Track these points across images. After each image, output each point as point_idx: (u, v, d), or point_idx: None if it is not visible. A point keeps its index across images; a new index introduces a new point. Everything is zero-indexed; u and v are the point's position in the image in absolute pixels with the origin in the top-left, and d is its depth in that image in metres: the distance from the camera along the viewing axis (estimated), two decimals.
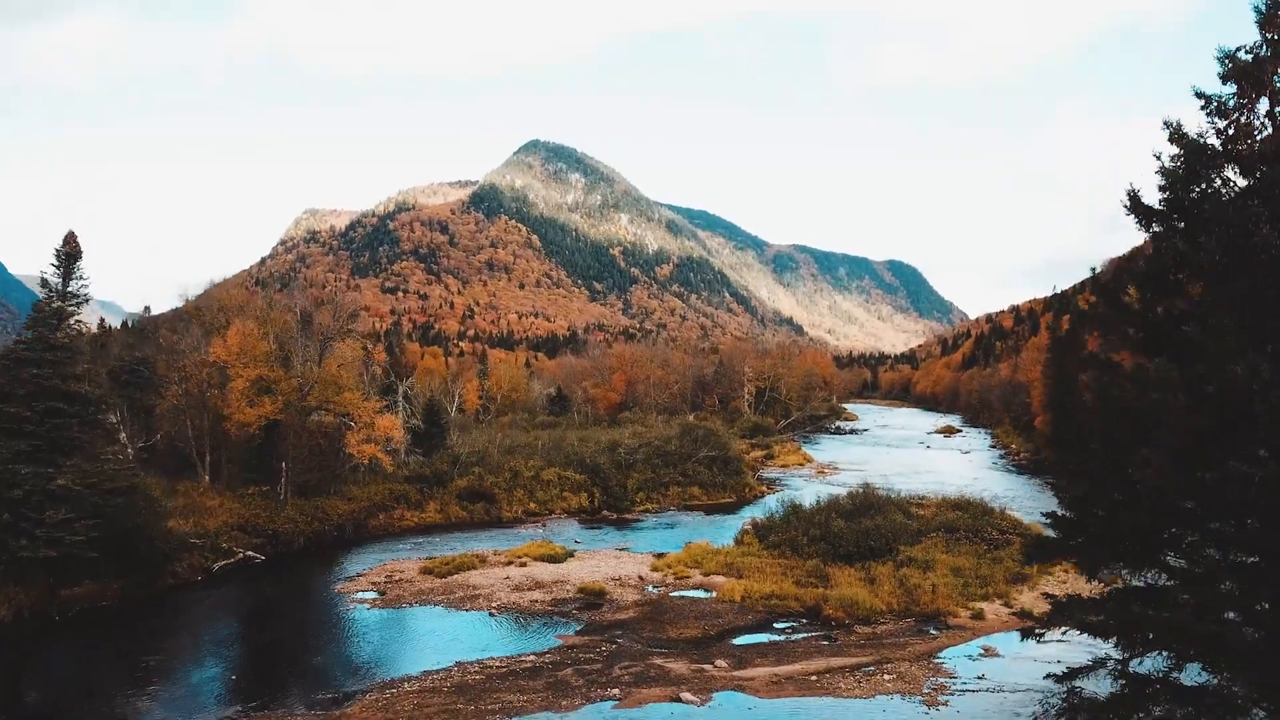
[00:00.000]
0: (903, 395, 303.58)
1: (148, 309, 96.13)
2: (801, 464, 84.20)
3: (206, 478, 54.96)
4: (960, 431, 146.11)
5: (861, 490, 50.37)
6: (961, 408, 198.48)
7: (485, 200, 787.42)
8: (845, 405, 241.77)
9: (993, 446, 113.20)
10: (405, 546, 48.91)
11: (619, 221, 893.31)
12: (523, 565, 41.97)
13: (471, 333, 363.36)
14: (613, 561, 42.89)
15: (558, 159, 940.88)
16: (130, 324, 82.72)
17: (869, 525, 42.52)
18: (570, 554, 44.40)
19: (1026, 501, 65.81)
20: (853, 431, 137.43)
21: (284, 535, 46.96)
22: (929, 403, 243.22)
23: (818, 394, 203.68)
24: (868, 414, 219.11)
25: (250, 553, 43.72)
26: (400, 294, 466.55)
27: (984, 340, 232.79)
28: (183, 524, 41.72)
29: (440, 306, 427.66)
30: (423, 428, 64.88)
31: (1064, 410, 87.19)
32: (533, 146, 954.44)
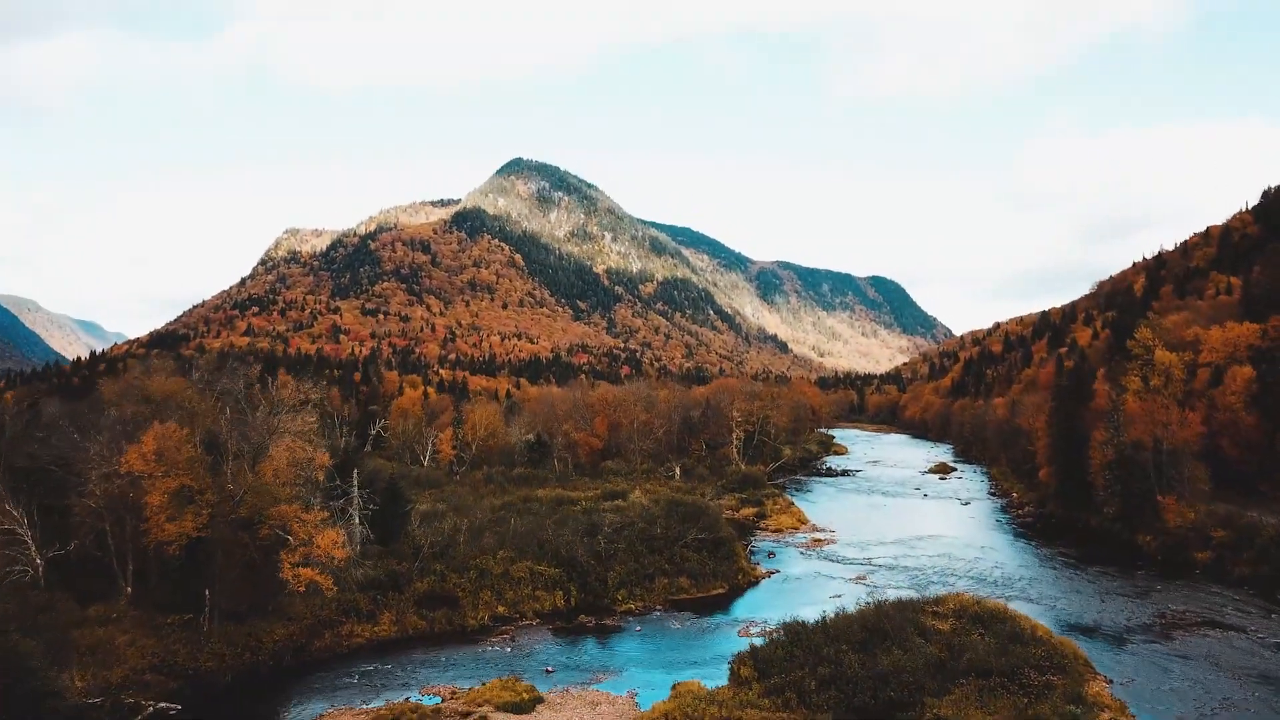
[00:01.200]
0: (890, 419, 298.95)
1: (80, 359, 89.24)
2: (795, 527, 78.33)
3: (129, 590, 48.51)
4: (955, 469, 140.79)
5: (873, 608, 44.34)
6: (953, 437, 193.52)
7: (468, 219, 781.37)
8: (833, 433, 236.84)
9: (991, 493, 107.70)
10: (351, 678, 42.49)
11: (603, 240, 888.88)
12: None
13: (453, 357, 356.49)
14: (588, 713, 36.62)
15: (541, 177, 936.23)
16: (28, 408, 75.39)
17: (886, 664, 36.57)
18: (538, 699, 38.04)
19: (1047, 588, 60.10)
20: (844, 473, 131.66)
21: (208, 674, 40.56)
22: (918, 429, 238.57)
23: (807, 426, 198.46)
24: (857, 443, 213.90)
25: (164, 704, 37.27)
26: (381, 316, 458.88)
27: (973, 366, 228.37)
28: (80, 678, 35.30)
29: (422, 329, 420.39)
30: (377, 506, 57.88)
31: (1072, 468, 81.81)
32: (516, 165, 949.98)
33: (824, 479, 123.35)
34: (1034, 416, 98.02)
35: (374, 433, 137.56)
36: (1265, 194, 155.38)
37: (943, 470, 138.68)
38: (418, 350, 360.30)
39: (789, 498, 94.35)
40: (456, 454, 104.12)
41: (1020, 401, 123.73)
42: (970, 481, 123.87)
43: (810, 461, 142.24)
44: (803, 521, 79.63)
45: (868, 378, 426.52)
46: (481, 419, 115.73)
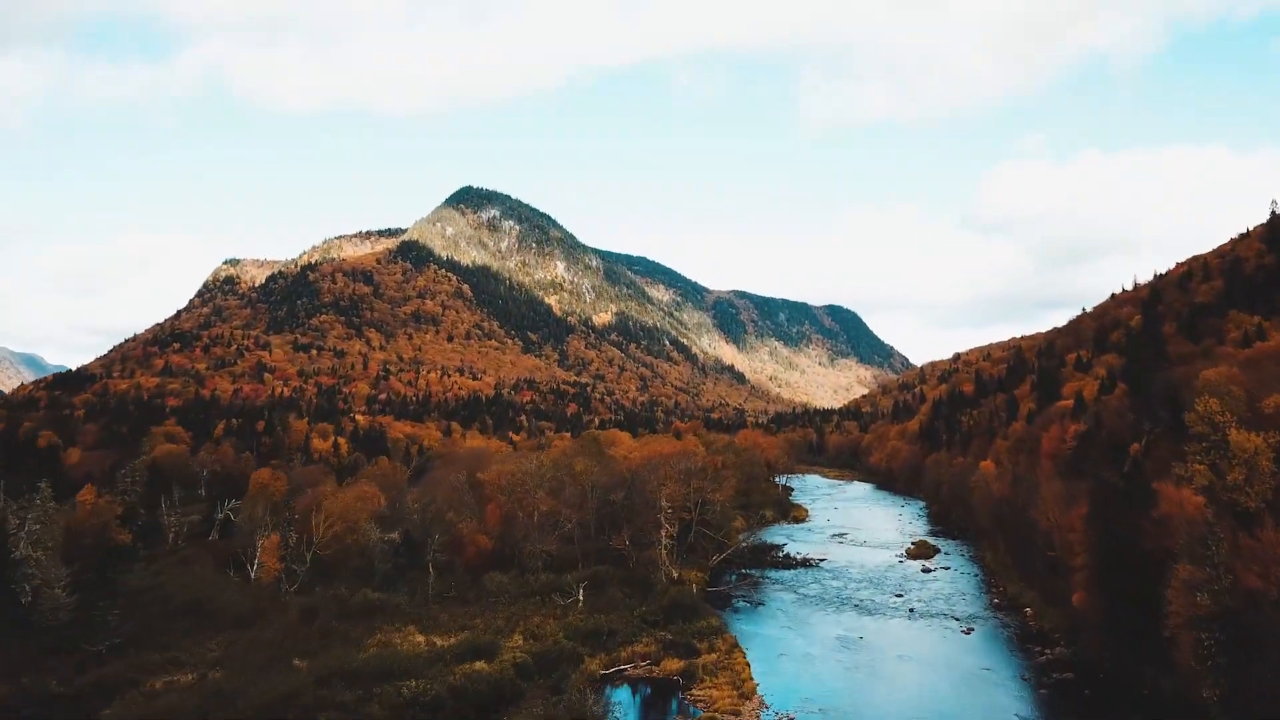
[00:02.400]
0: (851, 461, 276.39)
1: None
2: (736, 710, 52.67)
3: None
4: (938, 549, 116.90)
5: None
6: (926, 494, 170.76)
7: (414, 249, 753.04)
8: (792, 481, 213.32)
9: (996, 605, 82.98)
10: None
11: (555, 270, 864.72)
12: None
13: (384, 397, 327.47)
14: None
15: (493, 205, 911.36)
16: None
17: None
18: None
19: None
20: (806, 563, 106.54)
21: None
22: (883, 477, 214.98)
23: (761, 482, 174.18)
24: (818, 499, 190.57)
25: None
26: (314, 351, 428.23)
27: (942, 409, 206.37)
28: None
29: (355, 365, 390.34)
30: None
31: (1130, 603, 57.63)
32: (465, 194, 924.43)
33: (781, 577, 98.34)
34: (1055, 508, 74.01)
35: (221, 516, 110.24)
36: (1278, 216, 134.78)
37: (925, 552, 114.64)
38: (346, 390, 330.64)
39: (731, 635, 68.51)
40: (284, 567, 77.35)
41: (1019, 472, 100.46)
42: (962, 576, 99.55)
43: (763, 544, 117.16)
44: (746, 696, 53.97)
45: (827, 413, 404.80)
46: (340, 506, 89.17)
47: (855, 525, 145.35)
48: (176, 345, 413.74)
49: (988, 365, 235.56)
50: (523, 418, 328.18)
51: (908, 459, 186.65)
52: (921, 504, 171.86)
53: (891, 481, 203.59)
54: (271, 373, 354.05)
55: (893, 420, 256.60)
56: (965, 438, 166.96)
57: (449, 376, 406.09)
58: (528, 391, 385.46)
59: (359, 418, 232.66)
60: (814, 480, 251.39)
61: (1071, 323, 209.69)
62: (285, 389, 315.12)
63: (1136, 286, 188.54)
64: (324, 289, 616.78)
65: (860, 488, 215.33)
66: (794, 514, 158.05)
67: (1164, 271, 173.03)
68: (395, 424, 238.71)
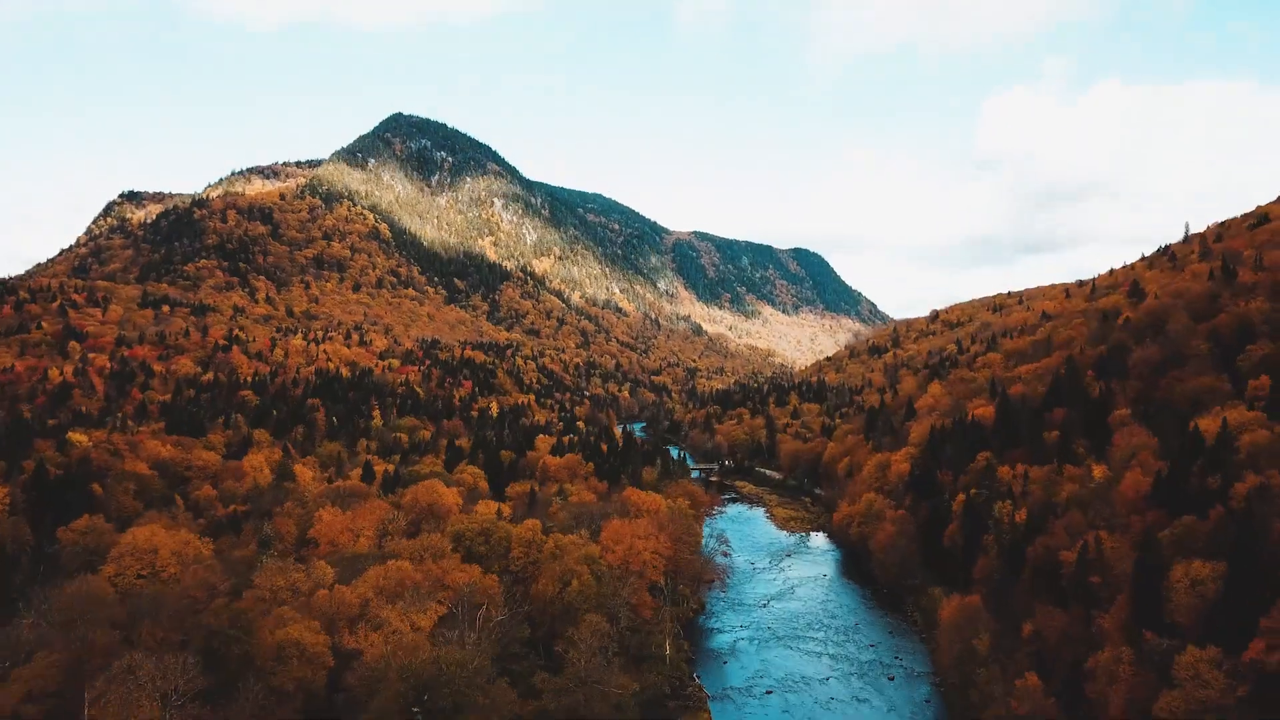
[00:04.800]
0: (811, 481, 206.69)
1: None
2: None
3: None
4: None
5: None
6: (920, 620, 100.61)
7: (327, 183, 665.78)
8: (722, 521, 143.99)
9: None
10: None
11: (491, 209, 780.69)
12: None
13: (209, 377, 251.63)
14: None
15: (424, 135, 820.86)
16: None
17: None
18: None
19: None
20: None
21: None
22: (851, 545, 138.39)
23: (647, 631, 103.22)
24: (755, 582, 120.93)
25: None
26: (165, 309, 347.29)
27: (943, 449, 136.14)
28: None
29: (209, 328, 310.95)
30: None
31: None
32: (394, 122, 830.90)
33: None
34: None
35: None
36: None
37: None
38: (163, 368, 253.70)
39: None
40: None
41: None
42: None
43: None
44: None
45: (783, 391, 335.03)
46: None
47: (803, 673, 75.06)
48: None
49: (1020, 390, 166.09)
50: (374, 407, 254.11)
51: (894, 539, 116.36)
52: (919, 643, 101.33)
53: (863, 552, 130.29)
54: (81, 340, 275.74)
55: (865, 433, 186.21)
56: (992, 529, 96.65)
57: (324, 342, 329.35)
58: (411, 368, 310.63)
59: (79, 438, 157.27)
60: (752, 520, 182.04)
61: (1101, 322, 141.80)
62: (66, 369, 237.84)
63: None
64: (209, 229, 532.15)
65: (816, 559, 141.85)
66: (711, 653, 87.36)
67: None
68: (150, 443, 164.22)
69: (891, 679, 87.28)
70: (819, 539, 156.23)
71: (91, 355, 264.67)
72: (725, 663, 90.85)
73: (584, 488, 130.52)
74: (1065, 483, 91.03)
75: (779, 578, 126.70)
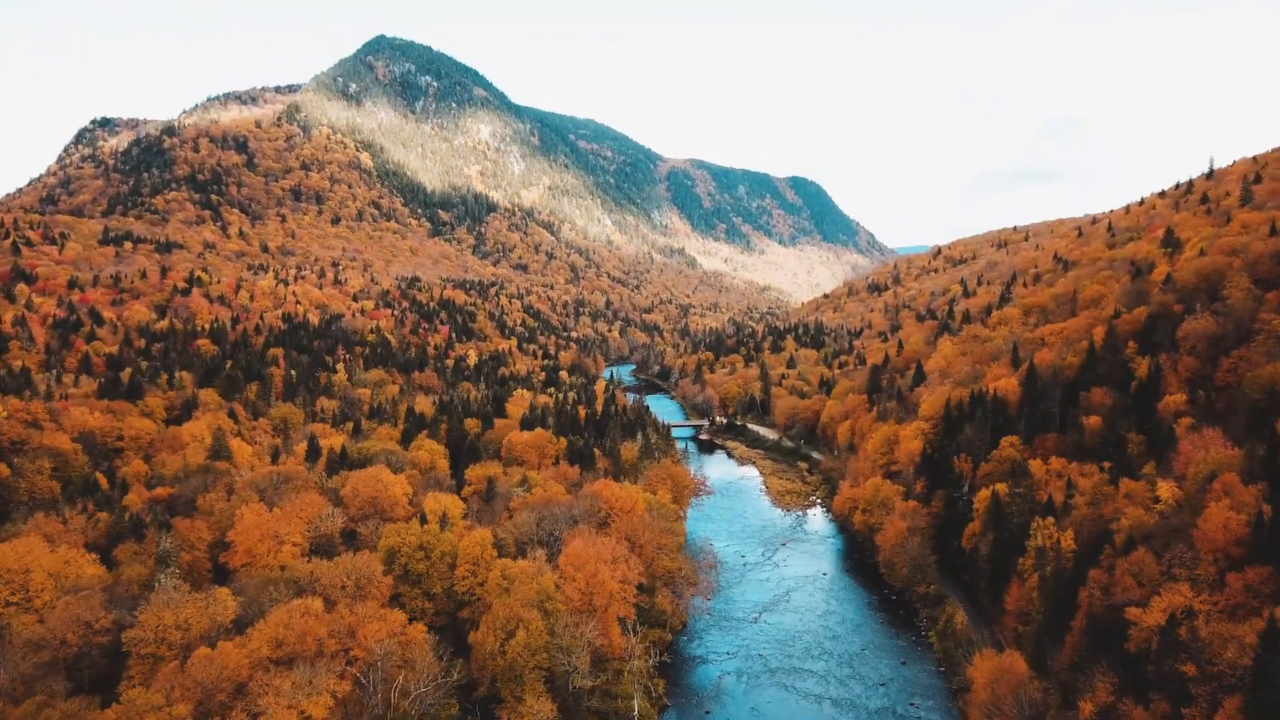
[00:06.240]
0: (808, 443, 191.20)
1: None
2: None
3: None
4: None
5: None
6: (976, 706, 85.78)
7: (306, 110, 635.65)
8: (711, 504, 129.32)
9: None
10: None
11: (477, 135, 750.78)
12: None
13: (163, 325, 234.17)
14: None
15: (407, 59, 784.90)
16: None
17: None
18: None
19: None
20: None
21: None
22: (853, 531, 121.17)
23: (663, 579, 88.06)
24: (748, 562, 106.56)
25: None
26: (128, 245, 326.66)
27: (959, 428, 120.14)
28: None
29: (173, 269, 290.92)
30: None
31: None
32: (377, 45, 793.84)
33: None
34: None
35: None
36: None
37: None
38: (113, 315, 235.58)
39: None
40: None
41: None
42: None
43: None
44: None
45: (779, 335, 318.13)
46: None
47: None
48: None
49: (1048, 359, 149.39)
50: (339, 361, 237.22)
51: (903, 538, 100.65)
52: (937, 680, 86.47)
53: (869, 548, 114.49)
54: (31, 283, 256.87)
55: (868, 393, 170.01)
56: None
57: (294, 283, 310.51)
58: (385, 311, 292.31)
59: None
60: (743, 480, 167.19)
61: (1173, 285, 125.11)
62: (6, 317, 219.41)
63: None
64: (180, 159, 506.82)
65: (819, 560, 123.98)
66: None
67: None
68: (76, 410, 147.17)
69: None
70: (817, 519, 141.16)
71: (38, 300, 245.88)
72: (708, 712, 75.82)
73: (552, 475, 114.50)
74: (1121, 499, 74.79)
75: (772, 576, 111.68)
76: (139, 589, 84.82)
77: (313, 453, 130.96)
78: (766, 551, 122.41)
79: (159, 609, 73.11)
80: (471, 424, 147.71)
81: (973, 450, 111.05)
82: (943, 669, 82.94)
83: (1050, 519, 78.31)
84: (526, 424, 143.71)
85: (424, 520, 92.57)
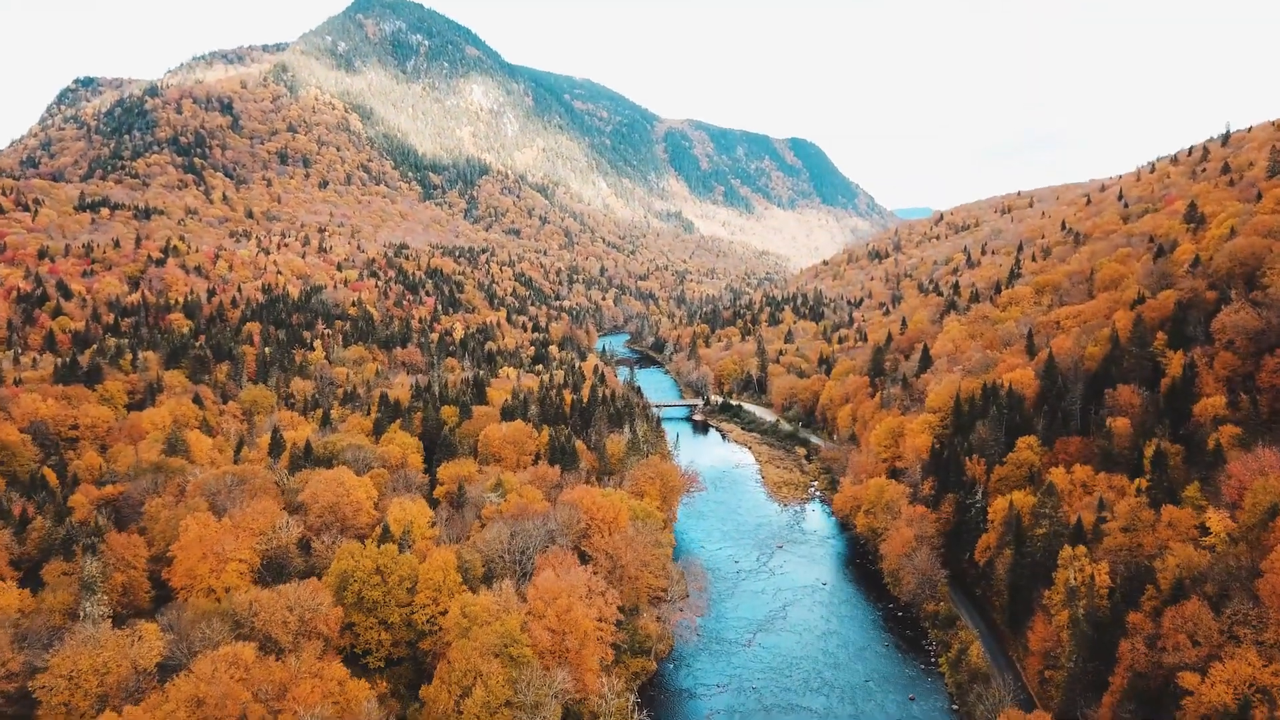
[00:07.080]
0: (806, 426, 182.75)
1: None
2: None
3: None
4: None
5: None
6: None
7: (293, 69, 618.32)
8: (703, 499, 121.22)
9: None
10: None
11: (470, 95, 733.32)
12: None
13: (135, 298, 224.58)
14: None
15: (398, 16, 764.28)
16: None
17: None
18: None
19: None
20: None
21: None
22: (855, 532, 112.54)
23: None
24: (741, 569, 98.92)
25: None
26: (106, 213, 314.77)
27: (968, 424, 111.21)
28: None
29: (149, 238, 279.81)
30: None
31: None
32: (367, 2, 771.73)
33: None
34: None
35: None
36: None
37: None
38: (82, 289, 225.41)
39: None
40: None
41: None
42: None
43: None
44: None
45: (777, 306, 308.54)
46: None
47: None
48: None
49: (1051, 330, 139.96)
50: (315, 338, 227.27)
51: (909, 549, 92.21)
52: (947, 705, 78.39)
53: (871, 552, 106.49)
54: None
55: (870, 375, 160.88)
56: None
57: (276, 252, 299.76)
58: (369, 282, 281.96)
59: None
60: (740, 465, 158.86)
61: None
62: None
63: None
64: (162, 120, 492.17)
65: (818, 566, 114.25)
66: None
67: None
68: (28, 398, 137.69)
69: None
70: (816, 515, 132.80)
71: (4, 272, 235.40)
72: None
73: (530, 476, 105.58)
74: (1163, 529, 65.92)
75: (768, 587, 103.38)
76: (62, 618, 76.41)
77: (276, 448, 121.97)
78: (762, 556, 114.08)
79: (75, 651, 64.62)
80: (449, 412, 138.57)
81: (986, 451, 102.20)
82: (956, 706, 74.77)
83: (1081, 548, 69.53)
84: (507, 413, 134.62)
85: (387, 532, 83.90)
